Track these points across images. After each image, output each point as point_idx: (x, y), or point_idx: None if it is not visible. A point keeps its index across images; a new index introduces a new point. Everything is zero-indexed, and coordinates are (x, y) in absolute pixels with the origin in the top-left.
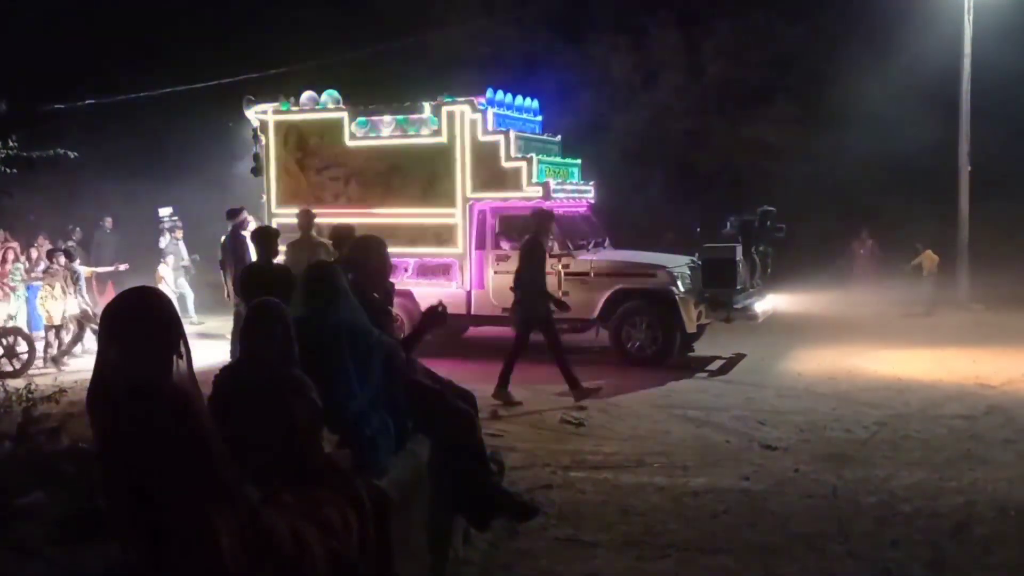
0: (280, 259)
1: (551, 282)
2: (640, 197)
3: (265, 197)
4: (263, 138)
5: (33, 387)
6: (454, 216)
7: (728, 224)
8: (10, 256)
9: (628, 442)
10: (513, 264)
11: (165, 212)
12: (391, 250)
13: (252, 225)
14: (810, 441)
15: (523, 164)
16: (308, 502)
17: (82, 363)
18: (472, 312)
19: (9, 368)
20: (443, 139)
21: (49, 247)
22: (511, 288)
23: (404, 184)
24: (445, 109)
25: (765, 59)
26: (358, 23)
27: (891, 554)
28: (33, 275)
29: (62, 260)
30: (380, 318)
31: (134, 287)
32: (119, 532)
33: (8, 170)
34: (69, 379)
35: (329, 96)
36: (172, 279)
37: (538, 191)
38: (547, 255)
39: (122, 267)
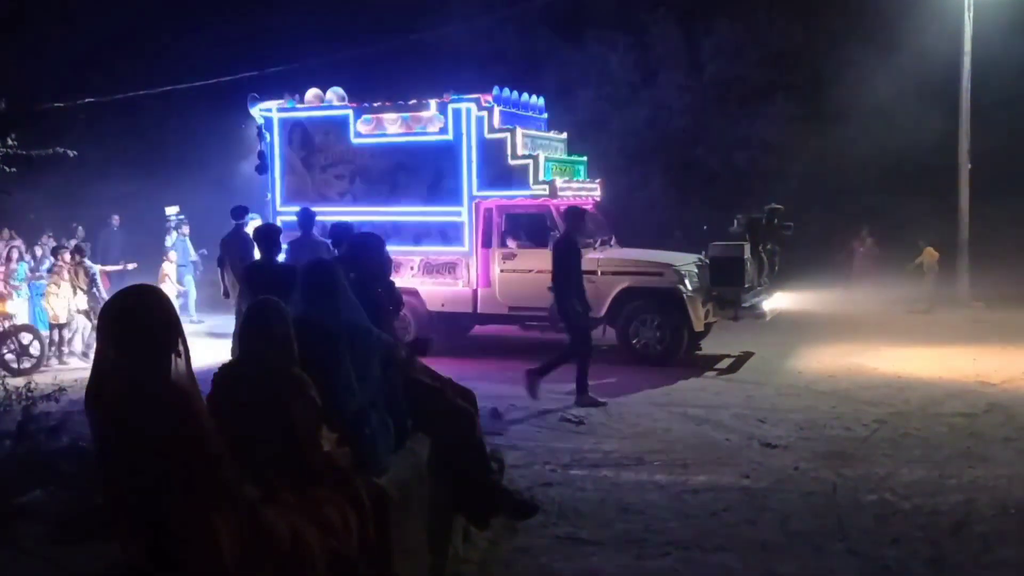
0: (280, 257)
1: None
2: (640, 195)
3: (270, 195)
4: (268, 136)
5: (33, 385)
6: (460, 214)
7: (735, 222)
8: (14, 255)
9: (628, 440)
10: (519, 262)
11: (172, 211)
12: (397, 248)
13: (250, 225)
14: (810, 439)
15: (530, 162)
16: (308, 501)
17: (81, 362)
18: (478, 311)
19: (23, 365)
20: (449, 137)
21: (54, 245)
22: (548, 288)
23: (410, 182)
24: (451, 107)
25: (765, 57)
26: (361, 20)
27: (891, 552)
28: (37, 274)
29: (67, 257)
30: (382, 315)
31: (132, 285)
32: (119, 531)
33: (7, 168)
34: (69, 378)
35: (334, 93)
36: (175, 277)
37: (545, 189)
38: (581, 254)
39: (130, 266)
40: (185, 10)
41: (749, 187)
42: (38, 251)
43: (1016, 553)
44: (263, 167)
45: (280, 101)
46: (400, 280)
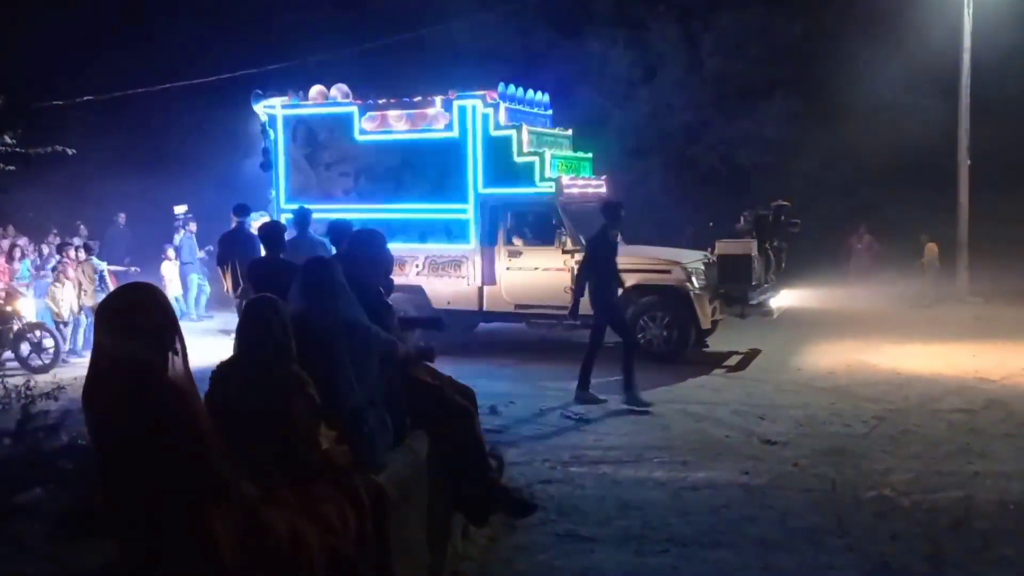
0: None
1: (565, 278)
2: (640, 192)
3: (274, 192)
4: (272, 133)
5: (32, 384)
6: (466, 211)
7: (742, 219)
8: (16, 253)
9: (627, 437)
10: (525, 260)
11: (180, 210)
12: (402, 246)
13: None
14: (809, 436)
15: (536, 159)
16: (306, 499)
17: (82, 360)
18: (483, 308)
19: (39, 363)
20: (455, 134)
21: (59, 242)
22: (565, 290)
23: (415, 179)
24: (456, 104)
25: (765, 53)
26: (363, 17)
27: (890, 548)
28: (42, 272)
29: (72, 254)
30: (382, 312)
31: (129, 284)
32: (117, 529)
33: (5, 167)
34: (68, 376)
35: (338, 90)
36: (177, 277)
37: (551, 186)
38: (615, 248)
39: (133, 269)
40: (189, 7)
41: (749, 184)
42: (44, 249)
43: (1015, 549)
44: (267, 164)
45: (284, 98)
46: (405, 278)
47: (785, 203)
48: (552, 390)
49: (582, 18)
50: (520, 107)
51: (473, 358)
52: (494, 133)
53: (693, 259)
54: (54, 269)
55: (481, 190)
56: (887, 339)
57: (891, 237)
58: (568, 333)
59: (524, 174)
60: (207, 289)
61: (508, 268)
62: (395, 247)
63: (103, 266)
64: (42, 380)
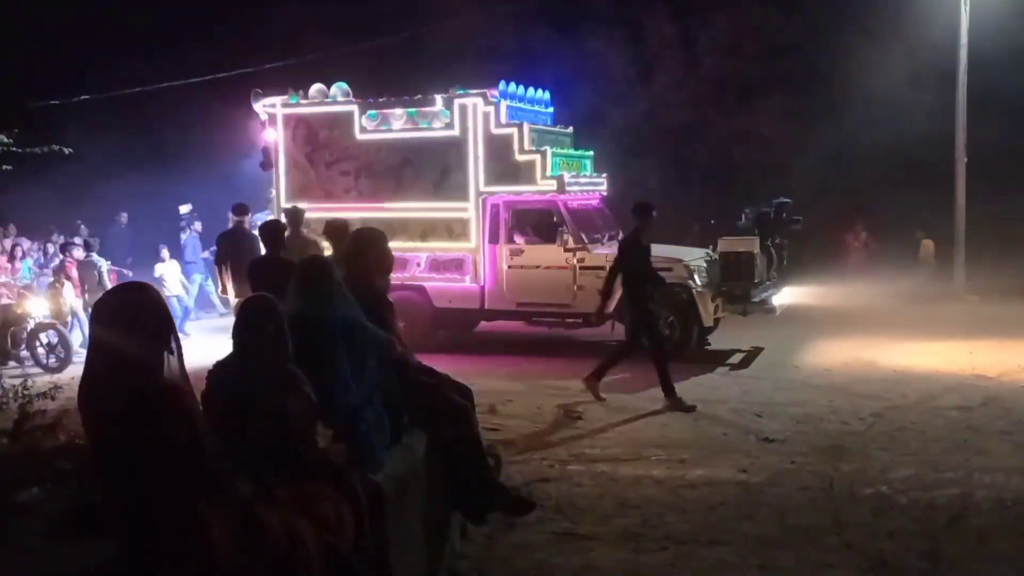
0: None
1: (567, 276)
2: (637, 190)
3: (274, 192)
4: (272, 132)
5: (29, 383)
6: (467, 210)
7: (744, 217)
8: (18, 252)
9: (625, 435)
10: (526, 258)
11: (185, 209)
12: (403, 245)
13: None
14: (807, 433)
15: (537, 157)
16: (302, 497)
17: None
18: (485, 307)
19: (51, 362)
20: (455, 132)
21: (64, 242)
22: (599, 292)
23: (416, 178)
24: (457, 102)
25: (761, 52)
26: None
27: (887, 545)
28: (44, 271)
29: (75, 253)
30: (382, 310)
31: (125, 283)
32: (114, 528)
33: (1, 166)
34: (65, 375)
35: (339, 89)
36: (175, 276)
37: (552, 184)
38: (648, 250)
39: (127, 272)
40: (188, 5)
41: (746, 182)
42: (50, 248)
43: (1013, 546)
44: (267, 163)
45: (284, 97)
46: (407, 277)
47: (787, 200)
48: (550, 388)
49: (579, 17)
50: (521, 105)
51: (471, 356)
52: (495, 131)
53: (695, 257)
54: (56, 270)
55: (482, 188)
56: (884, 336)
57: (888, 234)
58: (569, 331)
59: (525, 172)
60: (211, 288)
61: (510, 266)
62: (396, 246)
63: (103, 264)
64: (41, 380)
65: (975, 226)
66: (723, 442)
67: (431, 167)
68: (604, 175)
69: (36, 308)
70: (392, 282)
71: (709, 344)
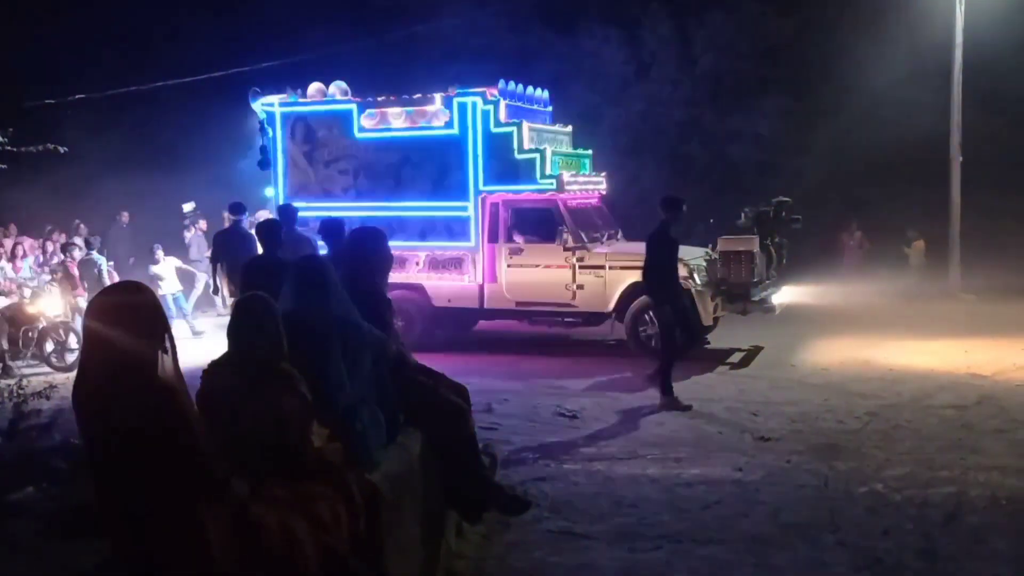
0: None
1: (566, 275)
2: (633, 189)
3: (273, 191)
4: (270, 131)
5: (24, 383)
6: (466, 209)
7: (743, 215)
8: (19, 252)
9: (621, 434)
10: (526, 257)
11: (188, 207)
12: (402, 244)
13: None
14: (802, 432)
15: (536, 156)
16: (298, 496)
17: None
18: (484, 306)
19: (63, 362)
20: (455, 131)
21: (65, 241)
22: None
23: (415, 177)
24: (457, 100)
25: (757, 50)
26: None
27: (882, 544)
28: (44, 270)
29: (75, 253)
30: (382, 308)
31: (118, 282)
32: (109, 527)
33: None
34: (60, 375)
35: (337, 87)
36: (172, 275)
37: (552, 183)
38: (677, 245)
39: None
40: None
41: (742, 181)
42: (49, 247)
43: (1008, 544)
44: (265, 162)
45: (282, 96)
46: (405, 276)
47: (786, 199)
48: (546, 387)
49: (575, 15)
50: (520, 104)
51: (467, 355)
52: (494, 130)
53: (694, 256)
54: (54, 269)
55: (482, 187)
56: (880, 335)
57: (883, 234)
58: (568, 330)
59: (525, 171)
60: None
61: (509, 265)
62: (395, 245)
63: (103, 263)
64: (37, 379)
65: (971, 225)
66: (719, 441)
67: (430, 166)
68: (603, 174)
69: (50, 307)
70: (391, 281)
71: (708, 343)
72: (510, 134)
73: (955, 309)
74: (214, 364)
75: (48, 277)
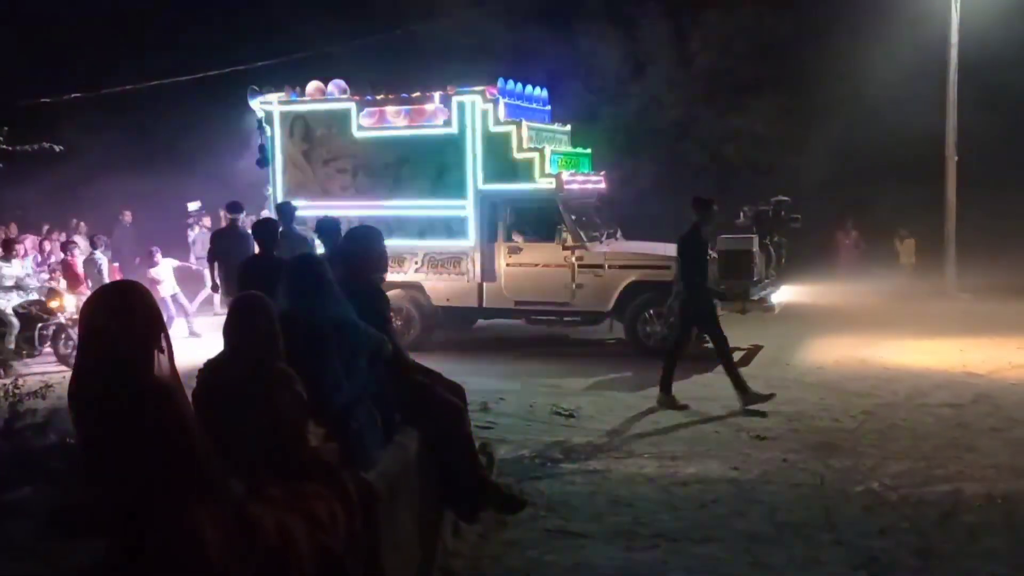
0: None
1: (565, 274)
2: (629, 188)
3: (271, 189)
4: (268, 129)
5: (20, 382)
6: (465, 208)
7: (742, 215)
8: (20, 250)
9: (618, 433)
10: (525, 256)
11: (193, 206)
12: (401, 243)
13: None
14: (798, 431)
15: (535, 155)
16: (294, 496)
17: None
18: (483, 305)
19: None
20: (454, 130)
21: (65, 240)
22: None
23: (414, 176)
24: (455, 99)
25: (753, 50)
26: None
27: (878, 542)
28: (43, 267)
29: (75, 252)
30: (379, 304)
31: (113, 281)
32: (105, 527)
33: None
34: (56, 374)
35: (336, 86)
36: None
37: (551, 182)
38: (707, 246)
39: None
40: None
41: (739, 180)
42: (47, 246)
43: (1003, 543)
44: (264, 161)
45: (281, 94)
46: (404, 274)
47: (785, 198)
48: (543, 386)
49: (571, 14)
50: (519, 103)
51: (463, 354)
52: (493, 129)
53: None
54: (53, 268)
55: (480, 186)
56: (876, 334)
57: (879, 233)
58: (567, 329)
59: (524, 170)
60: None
61: (508, 264)
62: (394, 244)
63: (103, 261)
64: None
65: (967, 224)
66: (715, 440)
67: (429, 165)
68: (602, 173)
69: (69, 304)
70: (391, 280)
71: (707, 342)
72: (509, 133)
73: (951, 308)
74: (210, 364)
75: (47, 276)
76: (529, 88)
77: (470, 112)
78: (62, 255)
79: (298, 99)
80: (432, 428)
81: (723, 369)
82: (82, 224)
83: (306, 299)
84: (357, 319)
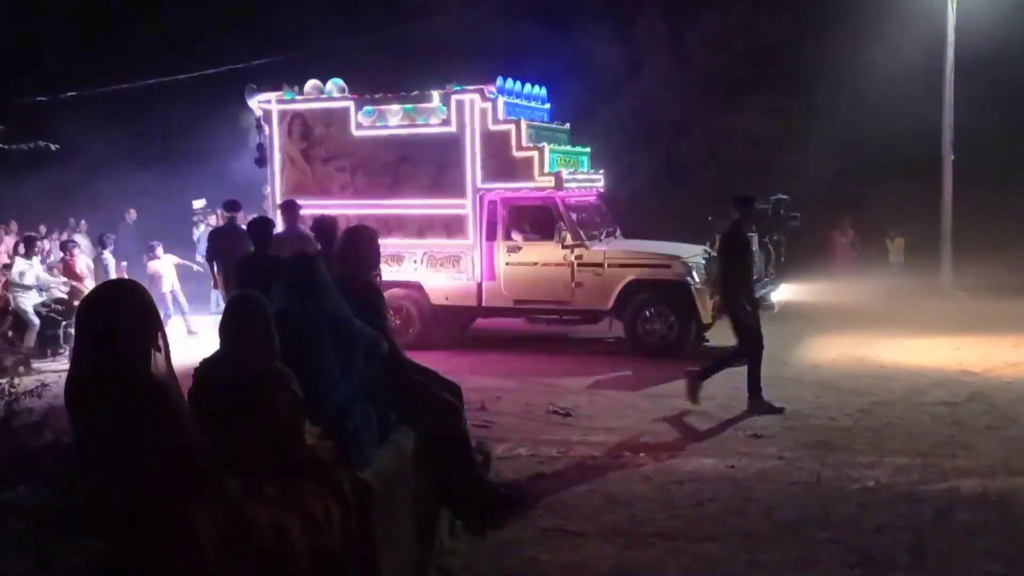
0: None
1: (564, 273)
2: (625, 187)
3: (269, 188)
4: (266, 128)
5: (16, 382)
6: (464, 207)
7: None
8: (20, 249)
9: (614, 431)
10: (524, 255)
11: (199, 204)
12: (400, 241)
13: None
14: (794, 429)
15: (535, 153)
16: (290, 494)
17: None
18: (483, 304)
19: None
20: (452, 128)
21: (65, 239)
22: (721, 294)
23: (413, 174)
24: (454, 98)
25: (750, 48)
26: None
27: (874, 540)
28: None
29: (75, 251)
30: (377, 302)
31: (111, 280)
32: (101, 527)
33: None
34: (52, 374)
35: (334, 84)
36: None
37: (550, 181)
38: (750, 246)
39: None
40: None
41: (735, 179)
42: (45, 244)
43: (998, 541)
44: (262, 160)
45: (279, 93)
46: (403, 273)
47: (784, 197)
48: (541, 385)
49: (568, 13)
50: (518, 101)
51: (462, 353)
52: (492, 127)
53: (693, 253)
54: (52, 266)
55: (480, 185)
56: (872, 332)
57: (875, 231)
58: (567, 328)
59: (523, 168)
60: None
61: (507, 263)
62: (393, 243)
63: (110, 261)
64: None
65: (963, 222)
66: (712, 438)
67: (428, 164)
68: (601, 171)
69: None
70: (389, 279)
71: (707, 341)
72: (508, 131)
73: (947, 306)
74: (206, 362)
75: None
76: (528, 86)
77: (469, 110)
78: (61, 254)
79: (296, 98)
80: (428, 427)
81: (748, 368)
82: (83, 223)
83: (302, 298)
84: (353, 318)
